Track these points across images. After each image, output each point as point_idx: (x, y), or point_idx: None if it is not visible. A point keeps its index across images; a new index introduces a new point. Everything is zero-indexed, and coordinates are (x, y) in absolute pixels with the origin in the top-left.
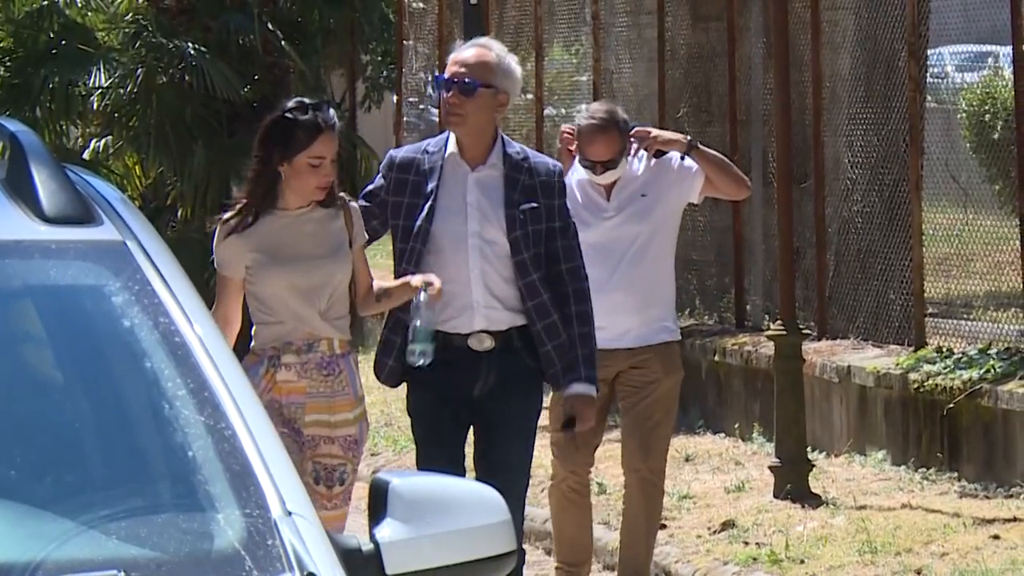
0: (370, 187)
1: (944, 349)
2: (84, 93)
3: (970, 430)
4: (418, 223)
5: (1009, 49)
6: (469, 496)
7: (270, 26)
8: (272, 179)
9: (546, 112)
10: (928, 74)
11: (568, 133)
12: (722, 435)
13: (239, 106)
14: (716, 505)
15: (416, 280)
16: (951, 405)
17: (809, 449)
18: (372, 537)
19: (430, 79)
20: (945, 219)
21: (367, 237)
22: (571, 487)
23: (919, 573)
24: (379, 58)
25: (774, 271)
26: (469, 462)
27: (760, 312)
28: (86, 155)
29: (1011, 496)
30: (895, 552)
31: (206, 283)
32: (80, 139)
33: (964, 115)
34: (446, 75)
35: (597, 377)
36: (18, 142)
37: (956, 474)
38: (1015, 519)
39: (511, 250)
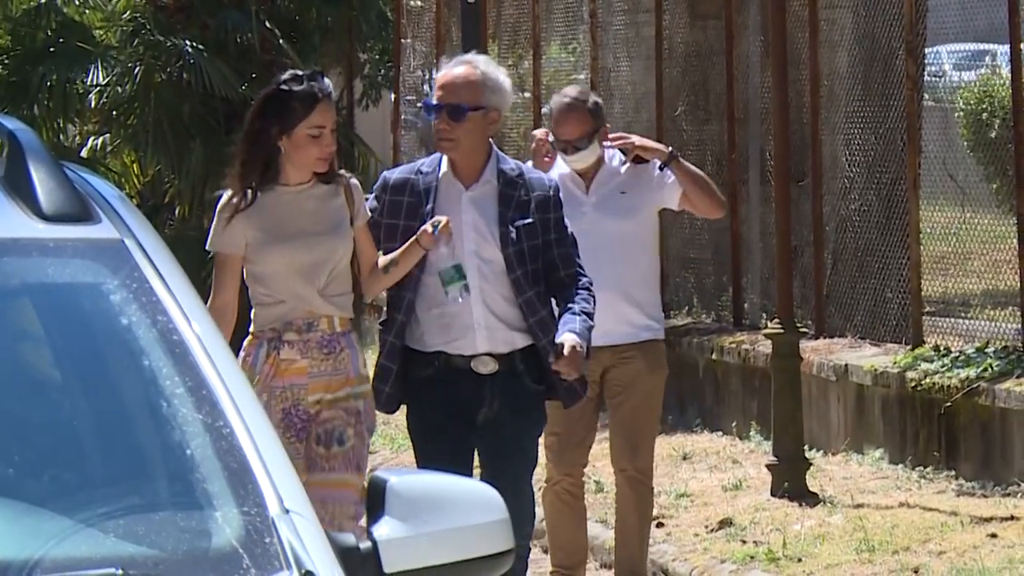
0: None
1: (942, 348)
2: (82, 91)
3: (967, 429)
4: None
5: (1007, 48)
6: (467, 494)
7: (268, 24)
8: (271, 155)
9: (544, 111)
10: (926, 73)
11: (541, 140)
12: (719, 433)
13: (237, 104)
14: (713, 503)
15: (427, 226)
16: (948, 404)
17: (806, 447)
18: (370, 535)
19: (427, 77)
20: (943, 218)
21: (370, 214)
22: (565, 489)
23: (916, 572)
24: (377, 56)
25: (772, 270)
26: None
27: (758, 310)
28: (84, 153)
29: (1008, 495)
30: (892, 550)
31: (203, 281)
32: (78, 137)
33: (962, 114)
34: (434, 100)
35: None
36: (16, 140)
37: (953, 472)
38: (1012, 517)
39: (506, 267)
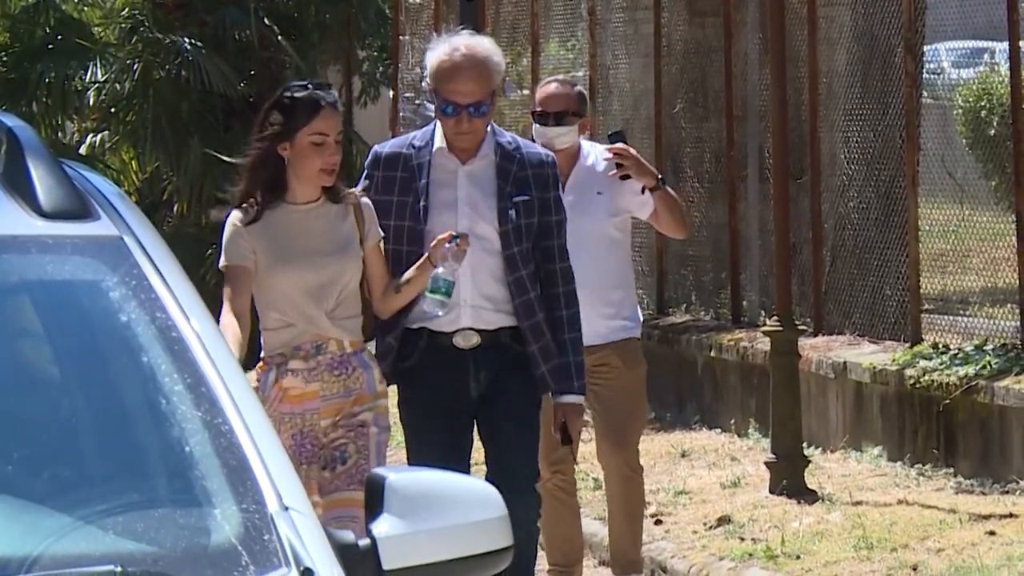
0: (356, 188)
1: (940, 345)
2: (81, 88)
3: (966, 426)
4: (409, 223)
5: (1005, 45)
6: (466, 491)
7: (266, 21)
8: (275, 166)
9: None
10: (924, 70)
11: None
12: (718, 431)
13: (235, 101)
14: (712, 501)
15: (444, 235)
16: (947, 401)
17: (805, 445)
18: (369, 532)
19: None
20: (941, 215)
21: (381, 235)
22: (557, 486)
23: (915, 569)
24: (375, 53)
25: (770, 267)
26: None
27: (756, 308)
28: (83, 150)
29: (1007, 492)
30: (891, 548)
31: (202, 278)
32: (77, 134)
33: (960, 111)
34: (453, 101)
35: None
36: (15, 137)
37: (952, 470)
38: (1011, 515)
39: (501, 244)
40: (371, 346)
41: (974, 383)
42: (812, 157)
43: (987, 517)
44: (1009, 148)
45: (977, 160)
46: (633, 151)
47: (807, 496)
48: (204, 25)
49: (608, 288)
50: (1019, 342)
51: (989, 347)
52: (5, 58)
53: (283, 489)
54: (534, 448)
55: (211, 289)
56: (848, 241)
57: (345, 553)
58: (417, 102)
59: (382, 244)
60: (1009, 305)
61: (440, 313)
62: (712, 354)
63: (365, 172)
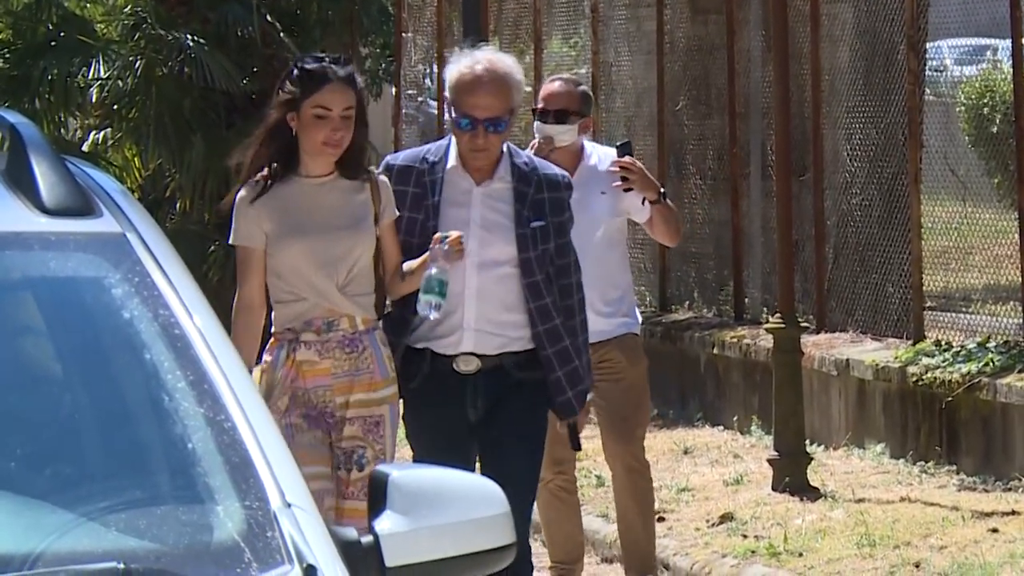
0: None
1: (943, 342)
2: (83, 85)
3: (969, 423)
4: (418, 241)
5: (1008, 42)
6: (468, 488)
7: (269, 18)
8: (287, 137)
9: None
10: (927, 67)
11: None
12: (721, 428)
13: (238, 98)
14: (714, 498)
15: (438, 234)
16: (950, 398)
17: (808, 442)
18: (371, 529)
19: (428, 72)
20: (944, 212)
21: (396, 213)
22: (559, 485)
23: (917, 566)
24: (378, 50)
25: (773, 264)
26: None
27: (759, 305)
28: (85, 147)
29: (1009, 489)
30: (893, 545)
31: (205, 275)
32: (79, 131)
33: (963, 108)
34: (471, 115)
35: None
36: (18, 134)
37: (955, 467)
38: (1014, 512)
39: (522, 272)
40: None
41: (977, 380)
42: (815, 154)
43: (990, 514)
44: (1012, 145)
45: (980, 157)
46: (639, 164)
47: (810, 493)
48: (206, 22)
49: (608, 287)
50: (1022, 339)
51: (992, 344)
52: (8, 55)
53: (286, 486)
54: (531, 480)
55: (213, 286)
56: (851, 238)
57: (348, 550)
58: (420, 99)
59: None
60: (1012, 302)
61: (433, 315)
62: (715, 351)
63: None
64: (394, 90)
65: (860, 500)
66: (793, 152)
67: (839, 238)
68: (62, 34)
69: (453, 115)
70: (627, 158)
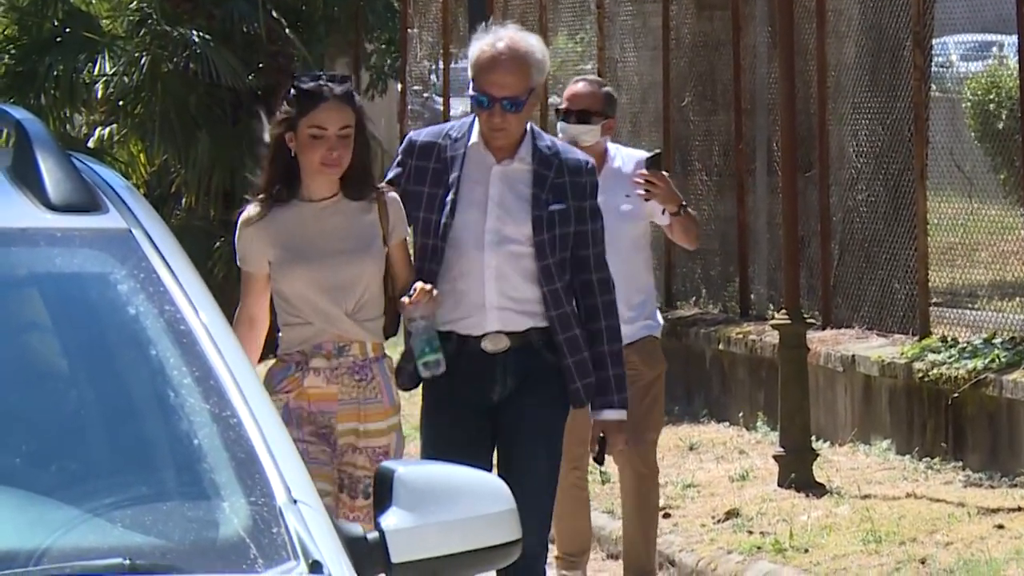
0: (389, 175)
1: (949, 339)
2: (89, 81)
3: (975, 420)
4: (437, 217)
5: (1014, 38)
6: (474, 484)
7: (274, 14)
8: (287, 160)
9: (550, 101)
10: (933, 63)
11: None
12: (726, 424)
13: (243, 94)
14: (720, 494)
15: (404, 299)
16: (956, 395)
17: (813, 438)
18: (377, 525)
19: (434, 68)
20: (950, 208)
21: (408, 233)
22: (572, 483)
23: (923, 563)
24: (383, 46)
25: (779, 260)
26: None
27: (764, 301)
28: (91, 143)
29: (1015, 486)
30: (899, 541)
31: (210, 271)
32: (85, 127)
33: (969, 104)
34: (488, 93)
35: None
36: (24, 130)
37: (961, 463)
38: (1020, 509)
39: (536, 254)
40: (390, 349)
41: (983, 376)
42: (820, 150)
43: (996, 511)
44: (1018, 141)
45: (986, 153)
46: (666, 177)
47: (815, 490)
48: (212, 18)
49: (631, 291)
50: None
51: (998, 340)
52: (13, 51)
53: (291, 482)
54: (553, 468)
55: (219, 282)
56: (856, 234)
57: (354, 546)
58: (425, 95)
59: (410, 239)
60: (1018, 298)
61: (441, 370)
62: (720, 347)
63: (398, 159)
64: (399, 86)
65: (866, 496)
66: (799, 148)
67: (845, 234)
68: (68, 30)
69: (473, 93)
70: (653, 171)
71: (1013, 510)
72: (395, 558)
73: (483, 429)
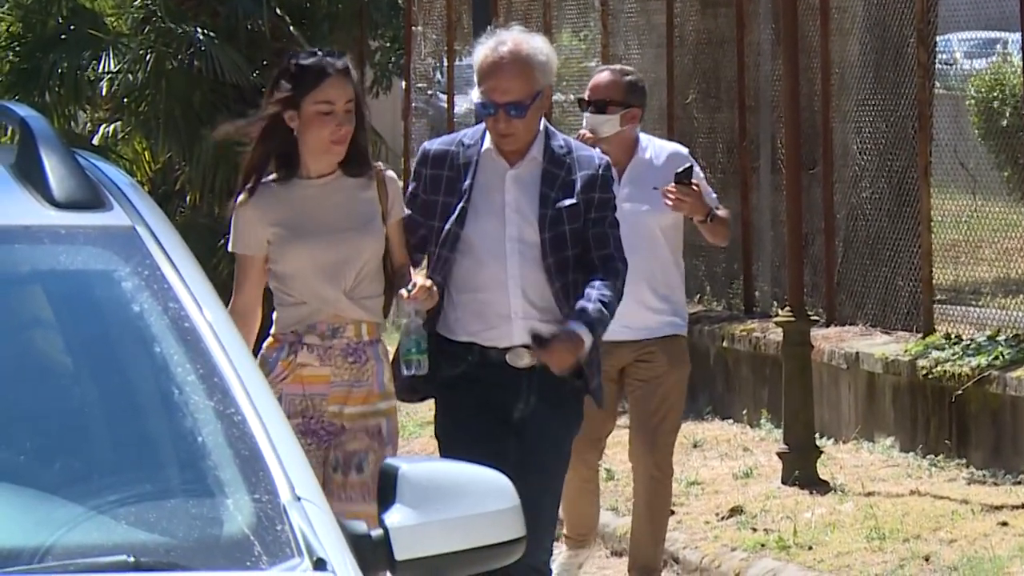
0: (409, 189)
1: (952, 336)
2: (93, 78)
3: (978, 417)
4: (447, 226)
5: (1018, 36)
6: (478, 482)
7: (278, 11)
8: (285, 138)
9: (554, 98)
10: (937, 61)
11: (584, 135)
12: (730, 421)
13: (247, 91)
14: (724, 491)
15: (403, 292)
16: (959, 392)
17: (817, 435)
18: (381, 522)
19: (438, 65)
20: (954, 206)
21: (406, 211)
22: (582, 477)
23: (927, 560)
24: (387, 44)
25: (782, 257)
26: None
27: (768, 298)
28: (95, 140)
29: (1019, 483)
30: (903, 539)
31: (215, 268)
32: (89, 124)
33: (973, 102)
34: (492, 99)
35: (600, 335)
36: (28, 127)
37: (964, 461)
38: (1023, 506)
39: (541, 252)
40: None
41: (986, 374)
42: (824, 148)
43: (999, 508)
44: (1021, 138)
45: (989, 151)
46: (695, 191)
47: (819, 487)
48: (216, 15)
49: (658, 282)
50: None
51: (1001, 338)
52: (18, 48)
53: (296, 479)
54: (558, 473)
55: (223, 279)
56: (860, 232)
57: (358, 543)
58: (430, 92)
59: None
60: (1021, 295)
61: (424, 371)
62: (724, 344)
63: (414, 171)
64: (404, 84)
65: (870, 493)
66: (803, 145)
67: (849, 231)
68: (72, 27)
69: (478, 99)
70: (683, 184)
71: (1017, 507)
72: (399, 555)
73: (501, 444)
